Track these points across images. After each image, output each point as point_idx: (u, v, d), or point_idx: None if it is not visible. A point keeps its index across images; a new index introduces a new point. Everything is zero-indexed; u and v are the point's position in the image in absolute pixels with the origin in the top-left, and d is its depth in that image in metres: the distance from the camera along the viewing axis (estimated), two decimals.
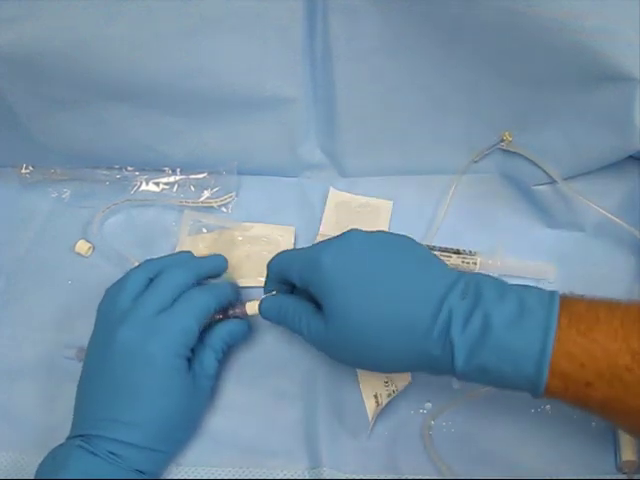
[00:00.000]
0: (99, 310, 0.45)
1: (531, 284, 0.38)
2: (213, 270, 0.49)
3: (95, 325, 0.45)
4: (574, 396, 0.34)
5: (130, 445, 0.40)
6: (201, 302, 0.44)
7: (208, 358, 0.45)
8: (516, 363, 0.35)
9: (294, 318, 0.42)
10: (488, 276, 0.38)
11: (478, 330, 0.35)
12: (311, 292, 0.41)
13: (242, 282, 0.54)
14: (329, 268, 0.39)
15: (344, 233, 0.42)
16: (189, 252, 0.50)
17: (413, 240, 0.41)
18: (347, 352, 0.40)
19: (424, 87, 0.53)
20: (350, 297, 0.38)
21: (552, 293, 0.36)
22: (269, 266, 0.46)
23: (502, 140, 0.56)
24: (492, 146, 0.57)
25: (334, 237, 0.42)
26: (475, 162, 0.59)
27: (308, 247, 0.43)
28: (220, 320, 0.47)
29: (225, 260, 0.50)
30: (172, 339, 0.42)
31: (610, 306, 0.35)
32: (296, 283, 0.42)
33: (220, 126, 0.56)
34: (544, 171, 0.55)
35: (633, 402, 0.33)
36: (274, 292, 0.46)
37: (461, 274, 0.38)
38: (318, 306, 0.41)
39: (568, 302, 0.35)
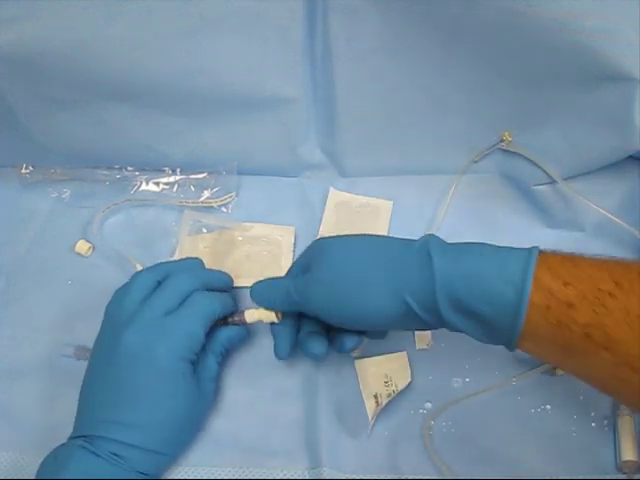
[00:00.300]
0: (106, 311, 0.45)
1: None
2: (219, 284, 0.49)
3: (102, 326, 0.45)
4: (556, 319, 0.33)
5: (132, 446, 0.40)
6: (207, 307, 0.44)
7: (209, 362, 0.45)
8: (497, 284, 0.35)
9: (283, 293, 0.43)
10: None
11: (455, 258, 0.36)
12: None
13: (242, 282, 0.53)
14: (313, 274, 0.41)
15: (317, 242, 0.44)
16: (197, 259, 0.50)
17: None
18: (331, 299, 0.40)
19: (424, 87, 0.53)
20: (335, 259, 0.41)
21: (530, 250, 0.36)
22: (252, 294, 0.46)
23: (502, 140, 0.56)
24: (492, 146, 0.57)
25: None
26: (475, 162, 0.59)
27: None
28: (220, 326, 0.47)
29: (231, 279, 0.51)
30: (177, 342, 0.42)
31: (593, 258, 0.35)
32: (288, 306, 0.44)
33: (220, 126, 0.56)
34: (544, 171, 0.55)
35: (616, 331, 0.32)
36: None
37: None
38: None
39: (544, 254, 0.35)
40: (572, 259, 0.35)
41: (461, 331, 0.37)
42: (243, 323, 0.47)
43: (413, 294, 0.37)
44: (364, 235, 0.42)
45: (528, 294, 0.33)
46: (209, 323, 0.44)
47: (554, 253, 0.36)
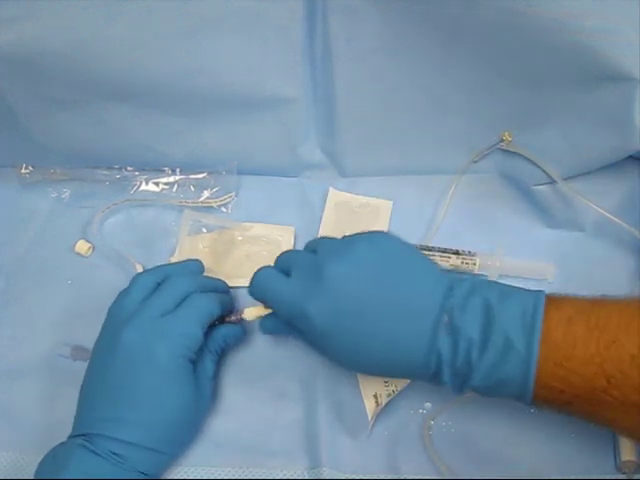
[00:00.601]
0: (109, 312, 0.46)
1: (531, 284, 0.38)
2: (217, 288, 0.49)
3: (103, 325, 0.45)
4: (557, 410, 0.38)
5: (132, 445, 0.40)
6: (205, 306, 0.44)
7: (206, 361, 0.45)
8: (502, 392, 0.37)
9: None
10: (471, 301, 0.37)
11: (464, 374, 0.37)
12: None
13: (241, 282, 0.53)
14: (317, 320, 0.39)
15: (325, 270, 0.39)
16: (197, 261, 0.50)
17: (397, 254, 0.41)
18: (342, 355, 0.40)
19: (424, 87, 0.53)
20: (340, 347, 0.39)
21: (534, 317, 0.36)
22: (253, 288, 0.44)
23: (502, 140, 0.56)
24: (492, 146, 0.57)
25: (316, 275, 0.40)
26: (475, 162, 0.59)
27: (291, 282, 0.41)
28: (216, 325, 0.47)
29: (229, 289, 0.51)
30: (176, 341, 0.42)
31: (588, 325, 0.35)
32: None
33: (220, 126, 0.56)
34: (544, 171, 0.55)
35: (611, 415, 0.35)
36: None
37: (446, 297, 0.38)
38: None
39: (547, 327, 0.35)
40: (565, 356, 0.35)
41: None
42: (239, 322, 0.47)
43: (446, 361, 0.37)
44: (370, 318, 0.39)
45: (531, 392, 0.36)
46: (207, 323, 0.44)
47: (549, 349, 0.35)
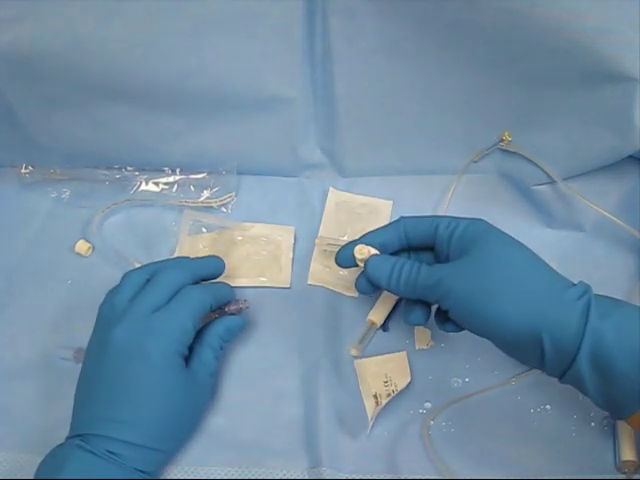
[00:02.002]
0: (99, 311, 0.45)
1: None
2: (211, 271, 0.49)
3: (94, 325, 0.45)
4: None
5: (129, 444, 0.40)
6: (197, 299, 0.44)
7: (207, 356, 0.45)
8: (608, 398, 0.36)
9: (402, 269, 0.42)
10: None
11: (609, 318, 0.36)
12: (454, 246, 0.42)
13: (241, 282, 0.54)
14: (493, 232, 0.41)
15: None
16: (188, 257, 0.50)
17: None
18: (469, 303, 0.39)
19: (424, 87, 0.53)
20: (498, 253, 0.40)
21: None
22: (398, 224, 0.45)
23: (502, 140, 0.56)
24: (492, 146, 0.57)
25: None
26: (474, 162, 0.59)
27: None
28: (216, 318, 0.47)
29: (223, 262, 0.50)
30: (167, 336, 0.42)
31: None
32: (442, 239, 0.42)
33: (220, 126, 0.56)
34: (544, 171, 0.55)
35: None
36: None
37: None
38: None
39: None
40: None
41: (580, 387, 0.38)
42: (239, 312, 0.48)
43: (552, 336, 0.37)
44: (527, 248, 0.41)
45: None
46: (200, 315, 0.44)
47: None
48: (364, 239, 0.45)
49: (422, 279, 0.41)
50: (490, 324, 0.38)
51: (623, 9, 0.44)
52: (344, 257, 0.46)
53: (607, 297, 0.38)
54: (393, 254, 0.45)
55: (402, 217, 0.45)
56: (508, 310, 0.38)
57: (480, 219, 0.42)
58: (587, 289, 0.38)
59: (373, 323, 0.50)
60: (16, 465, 0.46)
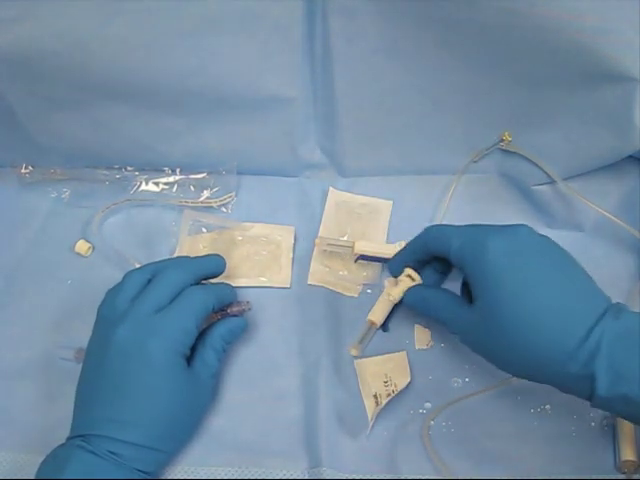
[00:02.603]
0: (98, 312, 0.45)
1: None
2: (212, 270, 0.49)
3: (94, 326, 0.45)
4: None
5: (129, 444, 0.40)
6: (199, 300, 0.44)
7: (209, 358, 0.45)
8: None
9: (438, 306, 0.44)
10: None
11: (624, 363, 0.35)
12: (465, 272, 0.41)
13: (242, 282, 0.54)
14: (496, 255, 0.39)
15: (513, 225, 0.42)
16: (188, 257, 0.50)
17: (572, 256, 0.41)
18: (488, 348, 0.40)
19: (424, 87, 0.53)
20: (508, 292, 0.38)
21: None
22: (423, 234, 0.45)
23: (502, 140, 0.56)
24: (492, 146, 0.57)
25: (500, 225, 0.42)
26: (474, 162, 0.59)
27: (470, 225, 0.43)
28: (219, 320, 0.47)
29: (224, 260, 0.49)
30: (169, 337, 0.42)
31: None
32: (450, 257, 0.42)
33: (220, 126, 0.56)
34: (543, 171, 0.55)
35: None
36: (406, 268, 0.48)
37: (611, 302, 0.38)
38: (460, 297, 0.43)
39: None
40: None
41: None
42: (241, 313, 0.48)
43: (571, 390, 0.38)
44: (544, 280, 0.39)
45: None
46: (202, 316, 0.44)
47: None
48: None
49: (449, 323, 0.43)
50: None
51: (623, 9, 0.44)
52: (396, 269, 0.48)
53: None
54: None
55: (427, 229, 0.46)
56: (517, 366, 0.39)
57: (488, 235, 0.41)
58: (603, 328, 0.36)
59: (373, 323, 0.50)
60: (16, 465, 0.46)
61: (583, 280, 0.39)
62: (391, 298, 0.48)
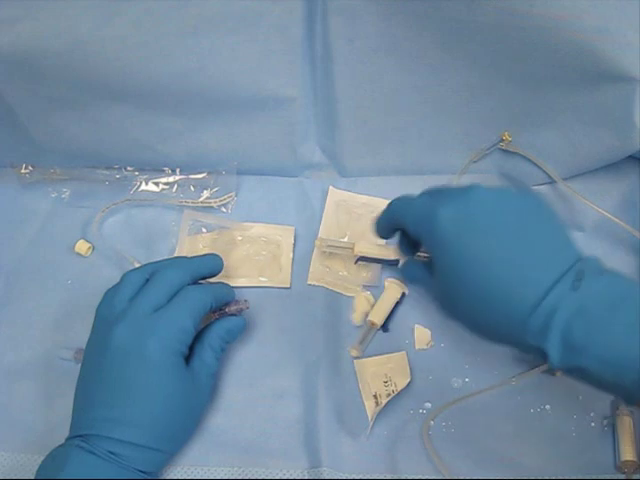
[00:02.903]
0: (97, 312, 0.45)
1: None
2: (209, 269, 0.49)
3: (93, 326, 0.45)
4: None
5: (129, 444, 0.40)
6: (197, 299, 0.44)
7: (208, 357, 0.45)
8: (618, 375, 0.33)
9: (415, 280, 0.42)
10: (600, 271, 0.35)
11: (579, 337, 0.33)
12: (423, 244, 0.39)
13: (241, 282, 0.54)
14: (444, 224, 0.36)
15: (466, 187, 0.38)
16: (186, 256, 0.50)
17: (541, 207, 0.38)
18: (450, 307, 0.38)
19: (423, 87, 0.53)
20: (459, 261, 0.36)
21: None
22: (386, 208, 0.43)
23: (502, 140, 0.56)
24: (492, 146, 0.57)
25: (457, 189, 0.39)
26: (474, 162, 0.59)
27: (425, 194, 0.41)
28: (217, 319, 0.47)
29: (221, 259, 0.49)
30: (167, 336, 0.42)
31: None
32: (409, 232, 0.40)
33: (220, 126, 0.56)
34: (544, 171, 0.55)
35: None
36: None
37: (579, 259, 0.35)
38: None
39: None
40: None
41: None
42: (239, 312, 0.48)
43: (528, 351, 0.36)
44: (496, 244, 0.36)
45: None
46: (200, 315, 0.44)
47: None
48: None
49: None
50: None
51: (622, 9, 0.44)
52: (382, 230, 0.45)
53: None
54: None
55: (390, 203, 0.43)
56: (482, 331, 0.37)
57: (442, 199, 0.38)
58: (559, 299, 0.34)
59: (373, 324, 0.50)
60: (16, 465, 0.46)
61: (546, 238, 0.36)
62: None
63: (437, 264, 0.38)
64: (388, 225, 0.43)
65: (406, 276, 0.44)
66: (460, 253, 0.36)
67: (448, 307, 0.39)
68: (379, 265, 0.54)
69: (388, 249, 0.51)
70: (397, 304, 0.51)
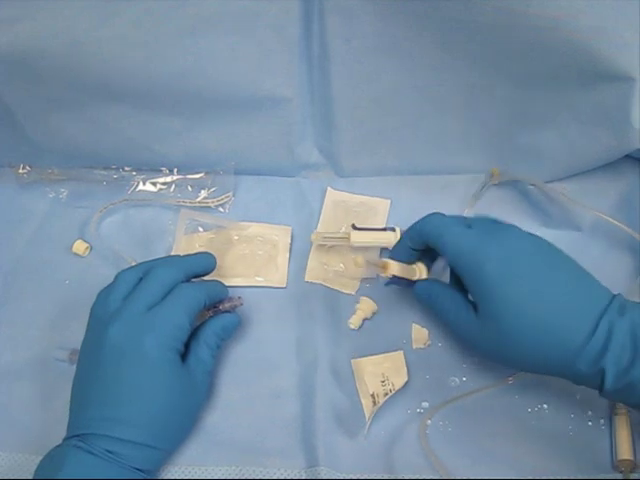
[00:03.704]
0: (91, 311, 0.45)
1: None
2: (202, 267, 0.49)
3: (87, 326, 0.45)
4: None
5: (126, 442, 0.40)
6: (190, 296, 0.44)
7: (204, 354, 0.45)
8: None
9: (443, 308, 0.44)
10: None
11: (630, 352, 0.36)
12: (463, 279, 0.42)
13: (238, 282, 0.54)
14: (491, 265, 0.40)
15: (503, 228, 0.43)
16: (179, 255, 0.50)
17: (564, 253, 0.42)
18: (495, 352, 0.41)
19: (421, 87, 0.53)
20: (509, 301, 0.39)
21: None
22: (418, 226, 0.45)
23: (492, 176, 0.57)
24: (483, 186, 0.58)
25: (492, 227, 0.43)
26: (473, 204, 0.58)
27: (465, 223, 0.43)
28: (211, 317, 0.47)
29: (214, 258, 0.49)
30: (162, 333, 0.42)
31: None
32: (449, 263, 0.43)
33: (217, 126, 0.56)
34: (542, 171, 0.55)
35: None
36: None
37: (613, 293, 0.40)
38: (466, 293, 0.43)
39: None
40: None
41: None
42: (233, 309, 0.48)
43: (578, 382, 0.39)
44: (543, 282, 0.39)
45: None
46: (195, 312, 0.44)
47: None
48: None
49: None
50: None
51: (619, 8, 0.44)
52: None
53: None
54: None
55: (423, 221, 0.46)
56: (526, 366, 0.41)
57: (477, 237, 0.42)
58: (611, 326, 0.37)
59: (385, 267, 0.45)
60: (14, 465, 0.46)
61: (580, 276, 0.40)
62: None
63: (482, 302, 0.40)
64: (418, 240, 0.46)
65: (421, 296, 0.47)
66: (510, 292, 0.39)
67: (492, 346, 0.41)
68: (377, 255, 0.54)
69: (384, 235, 0.51)
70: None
